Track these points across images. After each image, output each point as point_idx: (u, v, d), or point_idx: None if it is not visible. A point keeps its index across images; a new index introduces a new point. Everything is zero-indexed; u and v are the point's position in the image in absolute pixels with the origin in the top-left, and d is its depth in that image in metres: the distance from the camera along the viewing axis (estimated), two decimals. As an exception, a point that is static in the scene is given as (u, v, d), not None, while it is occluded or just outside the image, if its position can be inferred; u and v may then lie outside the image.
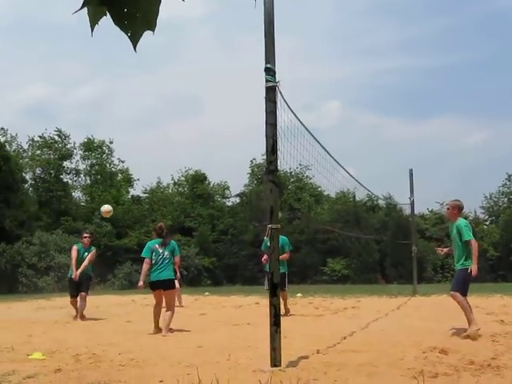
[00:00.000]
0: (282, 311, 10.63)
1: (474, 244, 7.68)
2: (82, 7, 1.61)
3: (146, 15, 1.68)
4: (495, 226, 41.39)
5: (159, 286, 8.86)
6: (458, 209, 8.11)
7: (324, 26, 72.10)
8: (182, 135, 68.26)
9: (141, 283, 9.15)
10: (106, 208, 12.21)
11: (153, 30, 1.71)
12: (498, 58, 66.06)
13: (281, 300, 10.74)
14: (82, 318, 11.26)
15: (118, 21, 1.66)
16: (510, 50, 67.94)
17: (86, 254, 11.48)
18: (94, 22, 1.66)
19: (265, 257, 10.13)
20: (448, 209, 8.26)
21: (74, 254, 11.39)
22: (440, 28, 67.47)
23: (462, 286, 7.72)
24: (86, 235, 11.80)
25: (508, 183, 45.47)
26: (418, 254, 20.63)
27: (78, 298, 11.28)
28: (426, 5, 69.23)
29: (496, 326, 8.82)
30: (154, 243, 9.00)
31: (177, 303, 14.36)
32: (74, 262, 11.33)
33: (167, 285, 8.91)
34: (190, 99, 69.29)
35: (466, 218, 39.49)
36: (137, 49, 1.70)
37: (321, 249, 35.64)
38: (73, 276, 11.21)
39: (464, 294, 7.66)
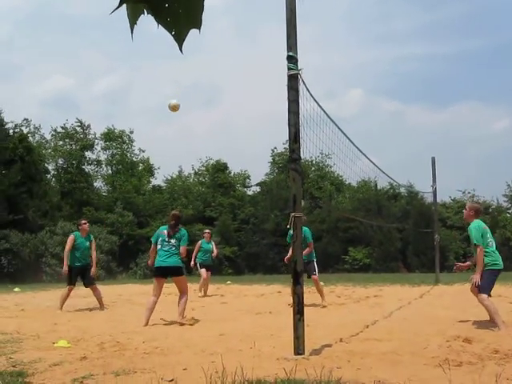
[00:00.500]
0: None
1: (480, 251, 7.45)
2: (120, 5, 1.48)
3: (189, 11, 1.55)
4: (518, 214, 40.95)
5: (161, 273, 8.73)
6: (475, 211, 7.97)
7: (343, 12, 71.59)
8: (202, 125, 68.48)
9: (149, 263, 9.34)
10: (174, 102, 11.32)
11: (199, 29, 1.57)
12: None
13: (318, 288, 10.93)
14: (102, 306, 11.25)
15: (159, 18, 1.52)
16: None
17: (87, 242, 11.22)
18: (133, 20, 1.55)
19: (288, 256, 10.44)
20: (465, 209, 8.16)
21: (69, 244, 11.01)
22: (461, 13, 66.69)
23: (489, 286, 7.56)
24: (83, 221, 11.57)
25: (532, 171, 44.88)
26: (440, 243, 20.51)
27: (91, 290, 11.13)
28: (447, -10, 68.42)
29: (520, 314, 8.73)
30: (163, 229, 8.98)
31: (201, 293, 14.51)
32: (67, 252, 10.99)
33: (171, 272, 8.72)
34: (210, 89, 69.39)
35: (488, 207, 39.30)
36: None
37: (342, 238, 35.52)
38: (63, 271, 11.05)
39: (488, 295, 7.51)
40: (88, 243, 11.27)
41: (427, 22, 68.97)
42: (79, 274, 11.14)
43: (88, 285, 11.15)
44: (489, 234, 7.77)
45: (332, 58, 71.05)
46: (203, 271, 14.31)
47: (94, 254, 11.40)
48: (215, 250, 14.87)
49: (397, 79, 70.79)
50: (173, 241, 8.75)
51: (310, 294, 13.85)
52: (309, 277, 10.89)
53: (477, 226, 7.65)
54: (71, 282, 11.01)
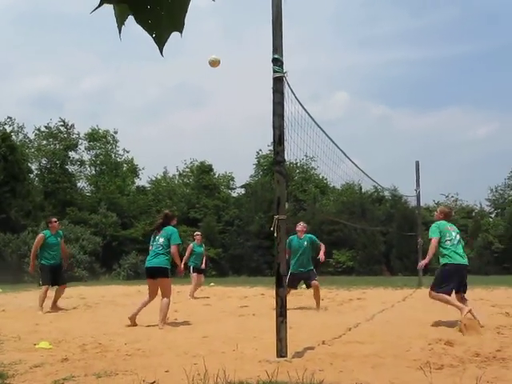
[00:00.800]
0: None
1: (432, 242, 8.21)
2: (100, 5, 1.44)
3: (171, 14, 1.50)
4: (501, 218, 41.28)
5: (149, 274, 8.61)
6: (444, 214, 8.72)
7: (330, 15, 71.88)
8: (188, 126, 68.38)
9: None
10: (214, 57, 10.69)
11: (180, 32, 1.52)
12: (505, 49, 65.78)
13: (318, 294, 10.79)
14: (56, 308, 11.07)
15: (140, 20, 1.48)
16: (518, 41, 67.59)
17: (57, 239, 11.19)
18: (120, 21, 1.50)
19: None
20: (437, 212, 8.98)
21: (37, 242, 11.00)
22: (448, 18, 67.22)
23: (439, 281, 8.12)
24: (53, 219, 11.50)
25: (513, 176, 45.33)
26: (423, 246, 20.58)
27: (55, 289, 11.11)
28: (433, -5, 68.96)
29: (501, 318, 8.81)
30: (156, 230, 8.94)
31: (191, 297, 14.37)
32: (34, 251, 10.96)
33: (156, 273, 8.53)
34: (195, 90, 69.30)
35: (471, 212, 39.50)
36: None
37: (326, 240, 35.29)
38: (30, 269, 10.99)
39: (446, 291, 8.00)
40: (58, 240, 11.27)
41: (414, 26, 69.51)
42: (52, 273, 11.04)
43: (61, 283, 11.17)
44: (451, 234, 8.31)
45: (318, 61, 71.33)
46: (195, 275, 14.21)
47: (64, 250, 11.52)
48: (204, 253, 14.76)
49: (383, 83, 71.28)
50: (161, 240, 8.58)
51: (293, 296, 13.89)
52: (308, 286, 10.85)
53: (437, 224, 8.43)
54: (46, 281, 10.97)
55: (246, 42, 69.18)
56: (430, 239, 8.32)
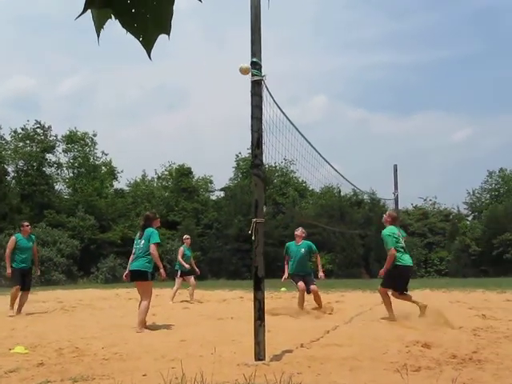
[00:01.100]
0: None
1: (392, 252, 8.99)
2: (85, 11, 1.43)
3: (157, 17, 1.49)
4: (478, 221, 41.75)
5: (131, 277, 8.56)
6: (392, 218, 9.56)
7: (310, 19, 72.28)
8: (166, 129, 68.24)
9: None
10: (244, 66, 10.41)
11: (168, 34, 1.52)
12: (483, 55, 66.72)
13: (319, 298, 10.78)
14: (20, 312, 11.03)
15: (126, 23, 1.47)
16: (496, 47, 68.64)
17: (29, 243, 11.22)
18: (99, 26, 1.49)
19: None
20: (385, 215, 9.78)
21: (10, 245, 11.01)
22: (427, 24, 68.00)
23: (391, 281, 9.07)
24: (25, 223, 11.53)
25: (489, 180, 45.95)
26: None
27: (21, 293, 11.03)
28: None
29: (478, 320, 8.90)
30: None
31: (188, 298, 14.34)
32: (8, 254, 10.95)
33: (136, 276, 8.49)
34: (175, 93, 69.28)
35: (448, 215, 39.83)
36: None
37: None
38: (7, 272, 10.93)
39: (396, 289, 9.04)
40: (30, 244, 11.28)
41: (394, 30, 70.21)
42: (22, 276, 11.05)
43: (26, 289, 11.13)
44: (399, 238, 9.19)
45: (298, 64, 71.71)
46: (180, 280, 14.14)
47: (35, 254, 11.47)
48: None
49: (362, 87, 71.85)
50: (141, 243, 8.49)
51: (272, 299, 13.92)
52: (308, 291, 10.60)
53: (390, 232, 9.15)
54: (16, 282, 10.99)
55: (226, 45, 69.43)
56: (389, 249, 9.02)
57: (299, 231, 11.09)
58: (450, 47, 70.62)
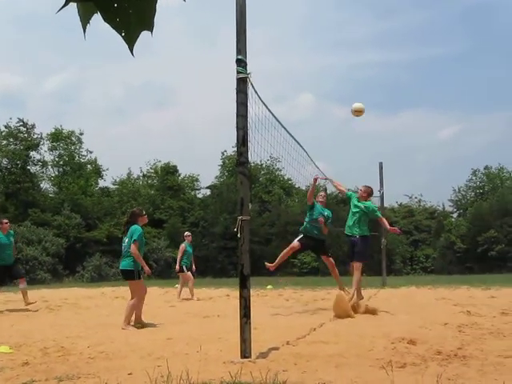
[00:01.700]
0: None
1: (383, 220, 10.17)
2: (66, 4, 1.39)
3: (140, 12, 1.46)
4: (463, 218, 42.03)
5: (122, 276, 8.65)
6: (367, 193, 10.03)
7: (298, 17, 72.34)
8: (152, 126, 68.01)
9: None
10: (358, 107, 10.34)
11: (151, 31, 1.49)
12: (471, 53, 67.12)
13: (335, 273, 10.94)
14: (27, 301, 11.30)
15: (108, 18, 1.44)
16: (484, 45, 69.06)
17: (11, 239, 11.38)
18: (85, 20, 1.47)
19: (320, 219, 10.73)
20: (360, 190, 10.16)
21: None
22: (416, 22, 68.28)
23: (367, 252, 10.01)
24: (5, 221, 11.59)
25: (474, 178, 46.27)
26: (386, 247, 20.85)
27: (20, 283, 11.32)
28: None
29: (462, 317, 8.95)
30: None
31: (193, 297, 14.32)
32: None
33: (123, 275, 8.57)
34: (161, 90, 68.98)
35: (433, 212, 40.11)
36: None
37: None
38: None
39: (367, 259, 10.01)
40: (11, 240, 11.37)
41: (381, 29, 70.43)
42: (6, 272, 11.13)
43: (18, 277, 11.33)
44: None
45: (284, 62, 71.74)
46: (189, 274, 14.20)
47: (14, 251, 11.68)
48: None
49: (350, 86, 72.03)
50: (126, 241, 8.45)
51: (258, 297, 13.93)
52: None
53: (374, 205, 10.19)
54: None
55: (215, 43, 69.23)
56: (380, 217, 10.07)
57: (322, 196, 11.35)
58: (440, 45, 71.00)
